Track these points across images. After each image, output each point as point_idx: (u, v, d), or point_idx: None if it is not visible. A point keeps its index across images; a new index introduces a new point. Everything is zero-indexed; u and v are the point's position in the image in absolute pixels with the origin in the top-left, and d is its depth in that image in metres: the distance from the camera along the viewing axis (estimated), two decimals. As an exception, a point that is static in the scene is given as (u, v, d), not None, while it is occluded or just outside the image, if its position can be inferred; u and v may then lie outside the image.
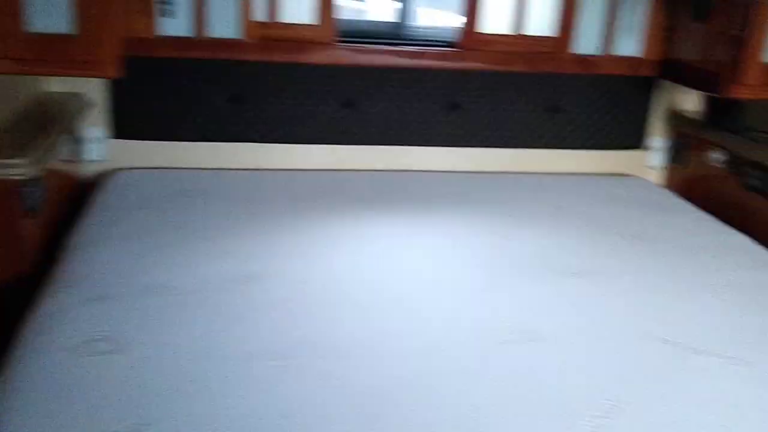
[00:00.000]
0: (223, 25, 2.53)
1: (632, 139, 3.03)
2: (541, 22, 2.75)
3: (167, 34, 2.50)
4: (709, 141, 2.81)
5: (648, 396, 1.46)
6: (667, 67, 2.79)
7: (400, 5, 2.86)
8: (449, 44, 2.75)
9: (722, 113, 2.74)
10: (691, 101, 3.03)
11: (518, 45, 2.75)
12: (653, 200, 2.72)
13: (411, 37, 2.80)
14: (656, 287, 1.96)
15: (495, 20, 2.72)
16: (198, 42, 2.52)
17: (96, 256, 1.90)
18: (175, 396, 1.34)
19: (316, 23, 2.59)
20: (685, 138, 2.97)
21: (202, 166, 2.70)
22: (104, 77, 2.39)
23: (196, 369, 1.43)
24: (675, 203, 2.71)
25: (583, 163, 3.04)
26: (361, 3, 3.70)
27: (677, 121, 3.00)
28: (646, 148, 3.08)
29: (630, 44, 2.79)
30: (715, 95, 2.45)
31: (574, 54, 2.77)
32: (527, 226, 2.36)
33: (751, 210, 2.57)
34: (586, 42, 2.76)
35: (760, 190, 2.52)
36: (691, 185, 2.94)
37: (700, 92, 2.93)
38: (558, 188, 2.78)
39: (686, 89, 2.92)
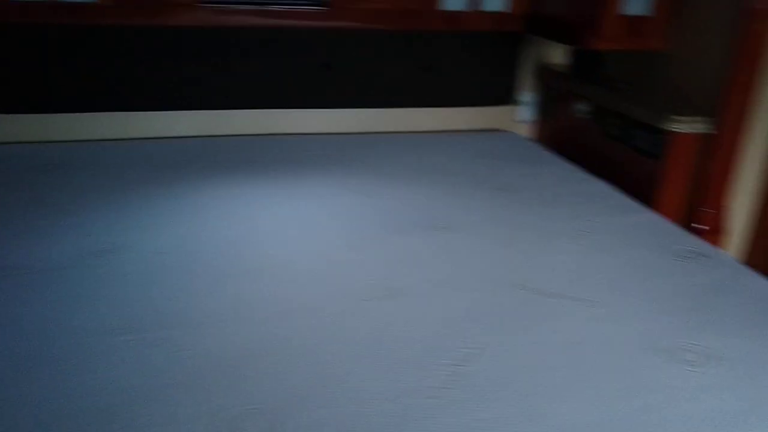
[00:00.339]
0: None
1: (503, 94, 3.10)
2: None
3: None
4: (574, 93, 2.90)
5: (502, 341, 1.50)
6: (533, 21, 2.85)
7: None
8: (317, 2, 2.71)
9: (586, 65, 2.83)
10: (558, 55, 3.11)
11: (386, 2, 2.73)
12: (522, 154, 2.79)
13: (277, -3, 2.75)
14: (519, 237, 2.03)
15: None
16: (51, 5, 2.38)
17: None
18: (18, 376, 1.28)
19: (174, -17, 2.49)
20: (553, 91, 3.05)
21: (67, 138, 2.57)
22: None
23: (43, 347, 1.37)
24: (542, 155, 2.80)
25: (456, 120, 3.08)
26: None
27: (545, 74, 3.09)
28: (516, 103, 3.15)
29: (497, 0, 2.83)
30: (576, 47, 2.53)
31: (443, 11, 2.79)
32: (397, 184, 2.38)
33: (613, 157, 2.68)
34: (455, -1, 2.79)
35: (620, 139, 2.63)
36: (559, 137, 3.04)
37: (566, 45, 3.02)
38: (431, 146, 2.81)
39: (554, 43, 3.01)
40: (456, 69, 2.97)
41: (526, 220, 2.15)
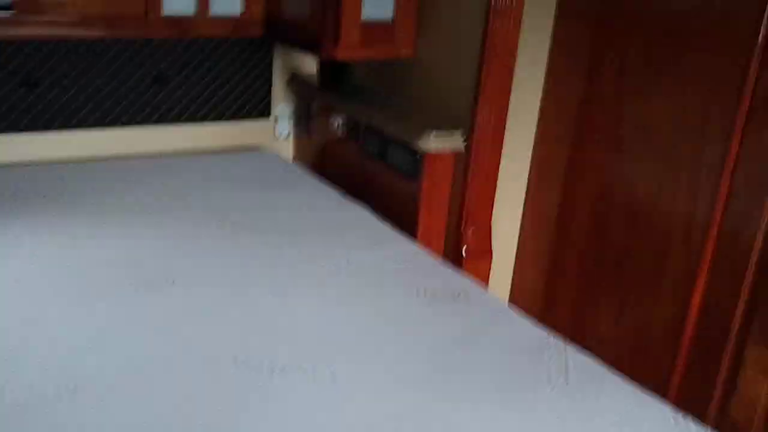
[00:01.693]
0: None
1: (258, 107, 2.75)
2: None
3: None
4: (326, 106, 2.63)
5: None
6: (271, 26, 2.52)
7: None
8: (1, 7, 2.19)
9: (335, 75, 2.56)
10: (309, 63, 2.82)
11: (94, 6, 2.27)
12: (273, 177, 2.46)
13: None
14: (252, 290, 1.69)
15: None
16: None
17: None
18: None
19: None
20: (306, 104, 2.76)
21: None
22: None
23: None
24: (297, 177, 2.48)
25: (206, 137, 2.70)
26: None
27: (296, 85, 2.78)
28: (274, 117, 2.82)
29: (229, 2, 2.47)
30: (318, 57, 2.23)
31: (166, 16, 2.37)
32: (111, 223, 1.96)
33: (373, 178, 2.43)
34: (178, 1, 2.38)
35: (377, 156, 2.38)
36: (317, 155, 2.76)
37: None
38: (166, 172, 2.39)
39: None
40: (199, 80, 2.58)
41: (266, 264, 1.82)
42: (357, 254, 1.89)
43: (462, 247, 2.25)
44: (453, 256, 2.27)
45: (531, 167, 2.36)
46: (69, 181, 2.23)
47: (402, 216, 2.27)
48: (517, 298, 2.44)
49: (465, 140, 2.17)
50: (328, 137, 2.68)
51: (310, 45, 2.27)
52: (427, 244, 2.25)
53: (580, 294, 2.25)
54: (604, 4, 2.05)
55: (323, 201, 2.28)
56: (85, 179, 2.27)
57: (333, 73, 2.54)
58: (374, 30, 2.22)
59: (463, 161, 2.19)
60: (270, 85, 2.75)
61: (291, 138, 2.89)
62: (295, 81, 2.79)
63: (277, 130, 2.85)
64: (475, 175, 2.18)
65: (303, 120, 2.80)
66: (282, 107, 2.83)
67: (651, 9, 1.94)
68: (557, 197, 2.29)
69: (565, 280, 2.30)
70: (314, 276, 1.77)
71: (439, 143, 2.15)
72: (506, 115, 2.17)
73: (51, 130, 2.39)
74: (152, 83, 2.50)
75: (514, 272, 2.48)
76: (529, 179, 2.37)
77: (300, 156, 2.88)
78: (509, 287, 2.48)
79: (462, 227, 2.24)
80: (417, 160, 2.19)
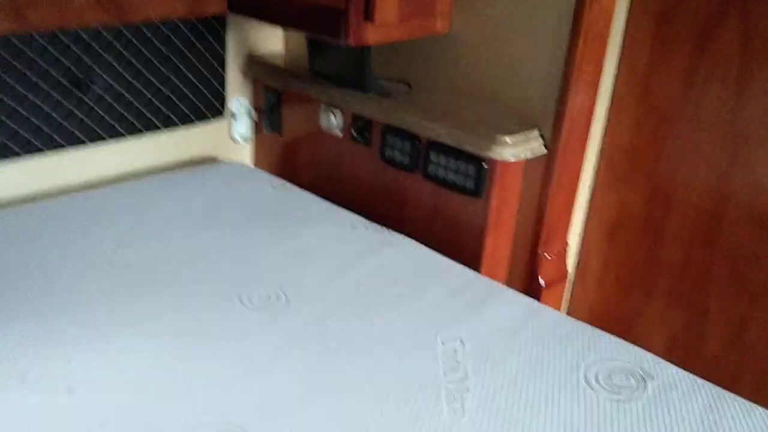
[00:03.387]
0: None
1: (209, 106, 2.05)
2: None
3: None
4: (307, 97, 1.99)
5: None
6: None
7: None
8: None
9: (330, 58, 1.91)
10: (273, 39, 2.16)
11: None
12: (266, 202, 1.82)
13: None
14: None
15: None
16: None
17: None
18: None
19: None
20: (275, 94, 2.10)
21: None
22: None
23: None
24: (294, 199, 1.85)
25: (144, 154, 1.98)
26: None
27: (261, 71, 2.11)
28: (230, 115, 2.14)
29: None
30: (336, 42, 1.59)
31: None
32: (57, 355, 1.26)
33: (398, 192, 1.86)
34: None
35: (409, 166, 1.81)
36: (289, 162, 2.13)
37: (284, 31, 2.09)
38: (104, 215, 1.68)
39: (265, 25, 2.04)
40: (131, 79, 1.84)
41: (377, 370, 1.23)
42: (472, 325, 1.35)
43: (538, 273, 1.76)
44: (523, 285, 1.79)
45: (600, 161, 1.90)
46: None
47: (451, 242, 1.74)
48: (588, 317, 2.01)
49: (540, 142, 1.66)
50: (315, 140, 2.05)
51: (320, 26, 1.62)
52: (492, 274, 1.74)
53: (677, 310, 1.86)
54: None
55: (353, 233, 1.69)
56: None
57: (326, 54, 1.89)
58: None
59: (537, 169, 1.68)
60: (223, 75, 2.06)
61: (251, 141, 2.23)
62: (255, 65, 2.12)
63: (233, 131, 2.18)
64: (559, 185, 1.69)
65: (272, 116, 2.14)
66: (238, 101, 2.15)
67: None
68: (639, 198, 1.86)
69: (656, 294, 1.89)
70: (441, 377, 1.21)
71: (514, 149, 1.62)
72: (594, 106, 1.68)
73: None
74: (72, 88, 1.74)
75: (575, 287, 2.04)
76: (597, 176, 1.92)
77: (264, 164, 2.23)
78: (576, 306, 2.05)
79: (539, 250, 1.74)
80: (481, 171, 1.65)
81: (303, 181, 2.04)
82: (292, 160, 2.14)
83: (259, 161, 2.24)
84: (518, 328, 1.36)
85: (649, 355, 1.29)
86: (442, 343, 1.30)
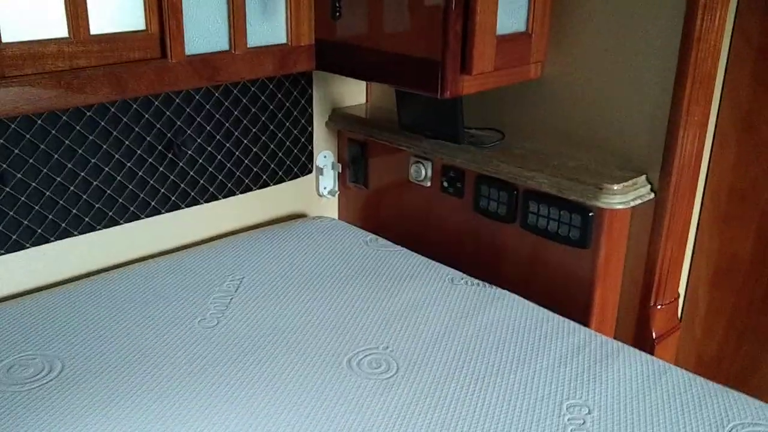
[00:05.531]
0: None
1: (297, 163, 2.04)
2: (119, 11, 1.53)
3: None
4: (393, 148, 1.96)
5: None
6: (325, 54, 1.80)
7: None
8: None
9: (418, 111, 1.88)
10: (357, 90, 2.15)
11: (88, 56, 1.49)
12: (372, 261, 1.77)
13: None
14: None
15: (28, 21, 1.42)
16: None
17: None
18: None
19: None
20: (359, 147, 2.08)
21: None
22: None
23: None
24: (397, 257, 1.81)
25: (239, 211, 1.98)
26: None
27: (345, 124, 2.10)
28: (317, 171, 2.13)
29: (269, 28, 1.74)
30: (433, 95, 1.56)
31: (189, 55, 1.61)
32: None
33: (492, 244, 1.80)
34: (201, 32, 1.63)
35: (506, 217, 1.75)
36: (382, 212, 2.09)
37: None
38: (163, 277, 1.66)
39: (346, 78, 2.03)
40: (221, 142, 1.84)
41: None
42: (597, 389, 1.27)
43: (651, 326, 1.67)
44: (633, 338, 1.69)
45: (704, 203, 1.81)
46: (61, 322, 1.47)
47: (555, 296, 1.67)
48: (698, 368, 1.90)
49: (653, 188, 1.59)
50: (397, 190, 2.02)
51: (414, 80, 1.59)
52: (601, 328, 1.66)
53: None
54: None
55: (454, 289, 1.63)
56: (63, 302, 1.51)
57: (413, 107, 1.86)
58: (507, 47, 1.58)
59: (645, 216, 1.60)
60: (310, 131, 2.05)
61: (337, 195, 2.20)
62: (339, 118, 2.11)
63: (321, 187, 2.16)
64: (670, 232, 1.60)
65: (357, 168, 2.12)
66: (324, 156, 2.14)
67: None
68: (748, 239, 1.76)
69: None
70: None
71: (623, 197, 1.55)
72: (703, 148, 1.60)
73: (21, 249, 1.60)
74: (162, 155, 1.75)
75: (682, 335, 1.93)
76: (701, 218, 1.83)
77: (349, 217, 2.20)
78: (684, 355, 1.94)
79: (651, 301, 1.65)
80: (587, 220, 1.59)
81: (390, 233, 1.99)
82: (378, 212, 2.11)
83: (344, 214, 2.21)
84: (647, 391, 1.27)
85: (797, 419, 1.19)
86: (569, 411, 1.22)
